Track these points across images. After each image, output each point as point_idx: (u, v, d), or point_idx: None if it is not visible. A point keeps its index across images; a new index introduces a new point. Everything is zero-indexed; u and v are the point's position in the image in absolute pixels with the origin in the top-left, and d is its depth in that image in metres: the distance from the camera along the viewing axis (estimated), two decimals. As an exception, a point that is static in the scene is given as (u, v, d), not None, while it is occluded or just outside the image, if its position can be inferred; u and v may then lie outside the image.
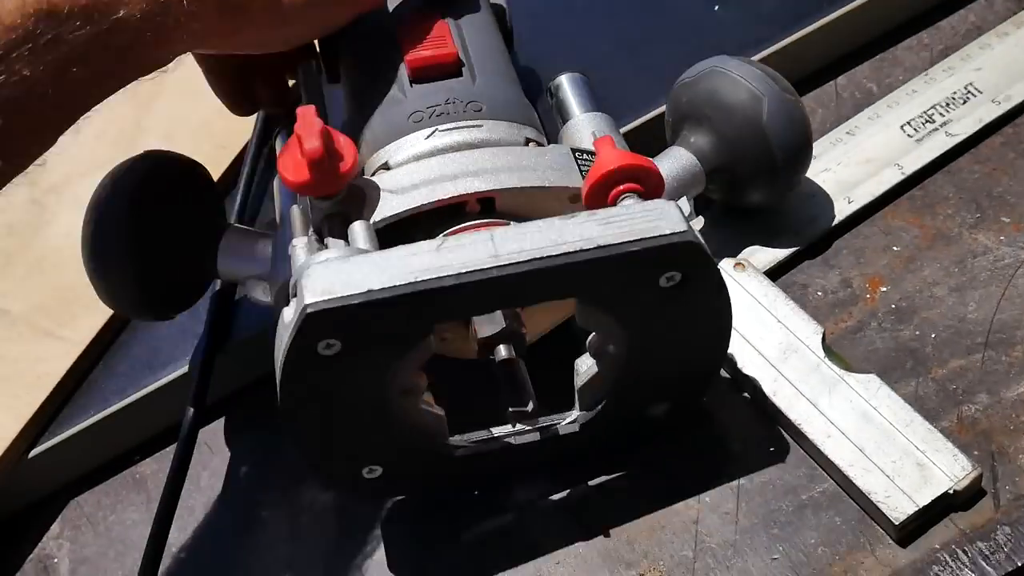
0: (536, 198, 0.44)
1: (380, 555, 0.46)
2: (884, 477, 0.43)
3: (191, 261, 0.48)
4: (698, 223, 0.53)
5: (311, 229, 0.43)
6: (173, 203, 0.47)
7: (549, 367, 0.44)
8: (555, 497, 0.46)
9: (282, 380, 0.39)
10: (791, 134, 0.49)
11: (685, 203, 0.49)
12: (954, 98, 0.56)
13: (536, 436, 0.45)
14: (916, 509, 0.42)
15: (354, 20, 0.49)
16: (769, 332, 0.48)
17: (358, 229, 0.42)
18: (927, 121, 0.55)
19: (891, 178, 0.53)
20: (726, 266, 0.51)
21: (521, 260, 0.38)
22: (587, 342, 0.44)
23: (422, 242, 0.39)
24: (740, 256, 0.51)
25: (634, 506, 0.45)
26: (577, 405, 0.46)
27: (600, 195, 0.42)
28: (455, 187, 0.43)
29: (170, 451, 0.51)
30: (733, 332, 0.46)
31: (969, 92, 0.56)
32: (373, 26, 0.51)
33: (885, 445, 0.44)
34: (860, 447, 0.44)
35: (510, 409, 0.42)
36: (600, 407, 0.45)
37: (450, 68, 0.48)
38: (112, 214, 0.46)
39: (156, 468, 0.51)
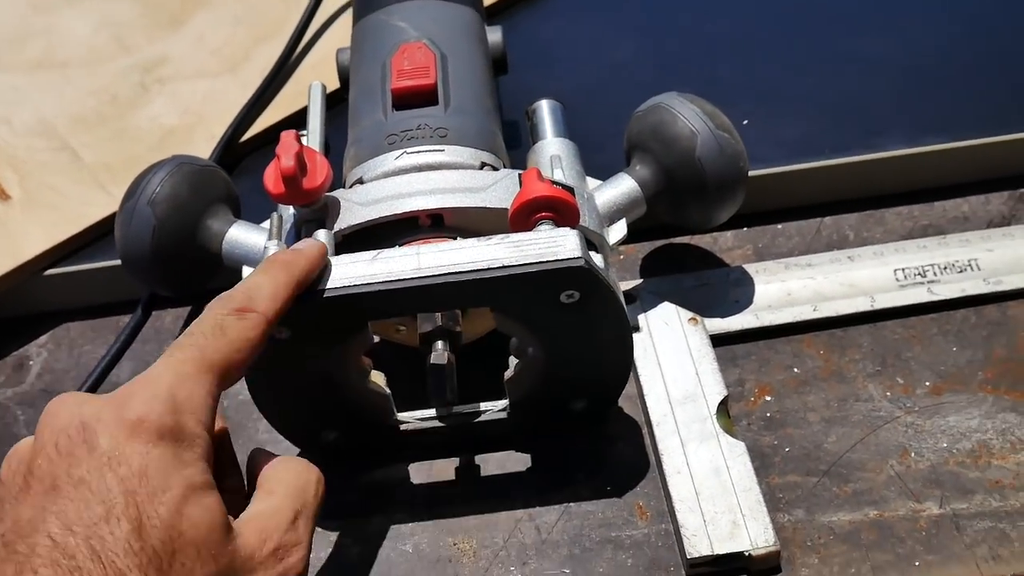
0: (480, 216, 0.49)
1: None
2: (701, 520, 0.48)
3: (205, 251, 0.54)
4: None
5: (291, 231, 0.50)
6: (195, 202, 0.54)
7: (494, 360, 0.51)
8: (417, 482, 0.53)
9: None
10: (721, 167, 0.53)
11: (623, 225, 0.53)
12: (954, 265, 0.58)
13: (468, 420, 0.52)
14: (711, 554, 0.47)
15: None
16: (684, 378, 0.54)
17: (320, 237, 0.49)
18: (920, 274, 0.58)
19: (860, 305, 0.57)
20: (683, 315, 0.57)
21: (439, 274, 0.44)
22: (510, 344, 0.50)
23: (362, 252, 0.45)
24: (705, 315, 0.57)
25: (478, 503, 0.52)
26: (507, 396, 0.51)
27: (522, 219, 0.47)
28: (408, 204, 0.49)
29: (154, 315, 0.61)
30: (656, 368, 0.53)
31: (970, 265, 0.58)
32: (374, 54, 0.58)
33: (717, 498, 0.49)
34: (698, 491, 0.49)
35: (433, 401, 0.49)
36: (524, 398, 0.51)
37: (427, 97, 0.54)
38: (144, 215, 0.53)
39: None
